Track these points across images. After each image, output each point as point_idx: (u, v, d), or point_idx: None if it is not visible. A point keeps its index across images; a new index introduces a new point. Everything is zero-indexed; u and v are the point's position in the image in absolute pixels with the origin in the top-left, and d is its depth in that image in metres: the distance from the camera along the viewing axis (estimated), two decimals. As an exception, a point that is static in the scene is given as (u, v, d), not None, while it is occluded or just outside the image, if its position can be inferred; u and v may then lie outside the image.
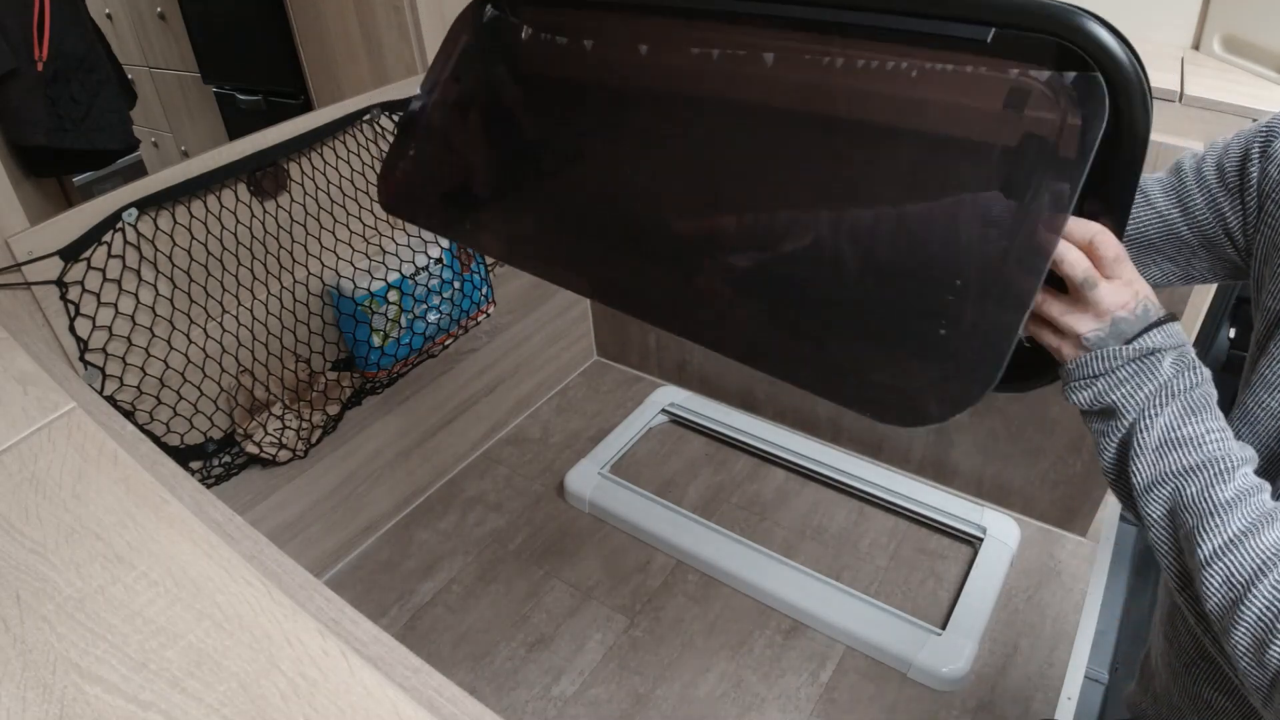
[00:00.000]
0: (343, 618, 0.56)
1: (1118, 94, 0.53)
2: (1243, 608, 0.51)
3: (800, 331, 0.66)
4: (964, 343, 0.57)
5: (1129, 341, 0.60)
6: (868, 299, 0.63)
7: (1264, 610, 0.51)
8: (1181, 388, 0.58)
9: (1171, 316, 0.60)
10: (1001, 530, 1.57)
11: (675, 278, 0.74)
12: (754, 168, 0.71)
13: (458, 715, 0.50)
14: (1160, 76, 1.17)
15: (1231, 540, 0.53)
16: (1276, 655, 0.50)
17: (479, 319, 1.94)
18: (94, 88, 1.59)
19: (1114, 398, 0.60)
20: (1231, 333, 1.44)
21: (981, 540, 1.56)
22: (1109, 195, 0.58)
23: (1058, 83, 0.55)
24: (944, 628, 1.41)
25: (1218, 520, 0.54)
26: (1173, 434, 0.57)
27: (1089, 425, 0.63)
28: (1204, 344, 1.44)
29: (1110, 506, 1.57)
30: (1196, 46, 1.30)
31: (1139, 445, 0.58)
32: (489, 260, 2.07)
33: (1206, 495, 0.55)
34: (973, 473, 1.67)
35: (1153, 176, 0.71)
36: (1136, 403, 0.59)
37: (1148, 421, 0.58)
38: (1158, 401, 0.59)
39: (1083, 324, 0.60)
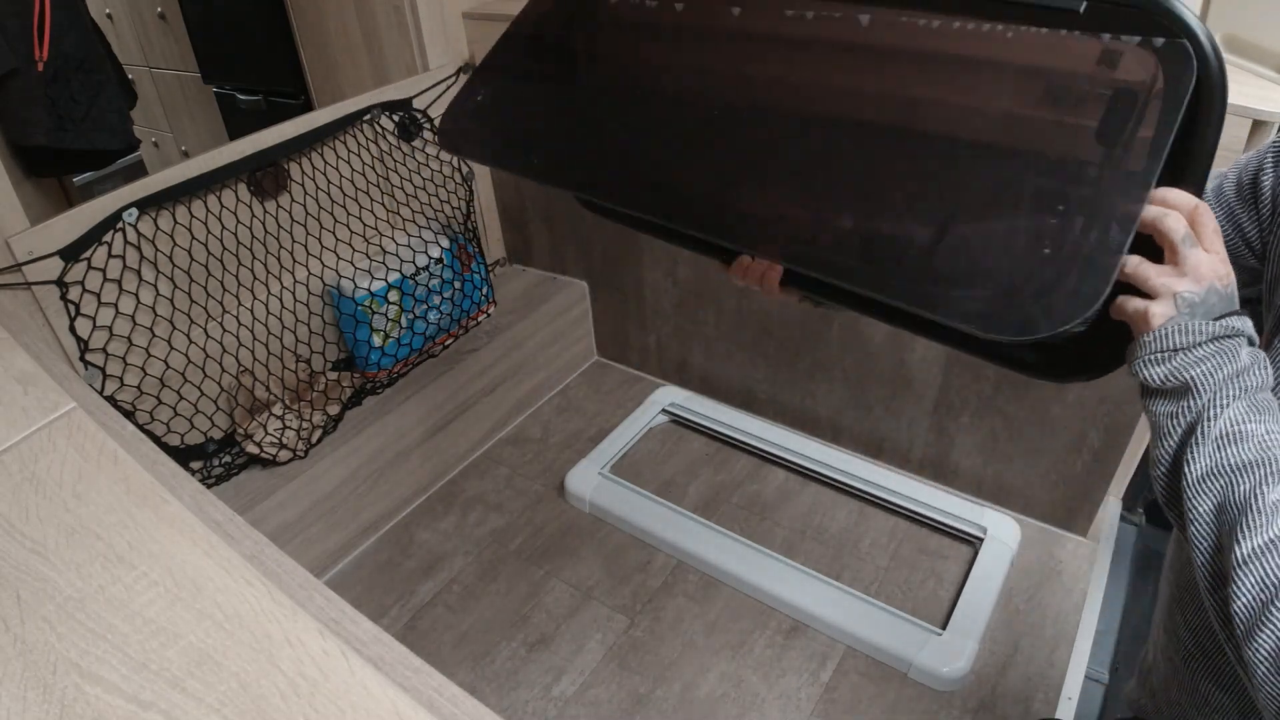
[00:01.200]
0: (343, 618, 0.56)
1: (1200, 63, 0.57)
2: (1271, 612, 0.50)
3: (898, 245, 0.66)
4: (1068, 262, 0.58)
5: (1216, 319, 0.59)
6: (970, 216, 0.65)
7: None
8: (1253, 384, 0.57)
9: (1244, 309, 0.60)
10: (1002, 530, 1.57)
11: (758, 193, 0.75)
12: (846, 105, 0.74)
13: (458, 715, 0.50)
14: (1161, 76, 1.17)
15: (1272, 542, 0.51)
16: None
17: (479, 319, 1.94)
18: (94, 88, 1.59)
19: (1191, 374, 0.58)
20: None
21: (982, 540, 1.56)
22: (1188, 165, 0.60)
23: (1148, 46, 0.59)
24: (944, 628, 1.41)
25: (1263, 520, 0.52)
26: (1237, 428, 0.56)
27: (1152, 408, 0.61)
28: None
29: (1110, 506, 1.57)
30: (1197, 46, 1.30)
31: (1201, 434, 0.57)
32: (489, 260, 2.08)
33: (1257, 493, 0.53)
34: (973, 473, 1.67)
35: None
36: (1212, 384, 0.58)
37: (1215, 410, 0.57)
38: (1229, 390, 0.57)
39: (1180, 284, 0.59)
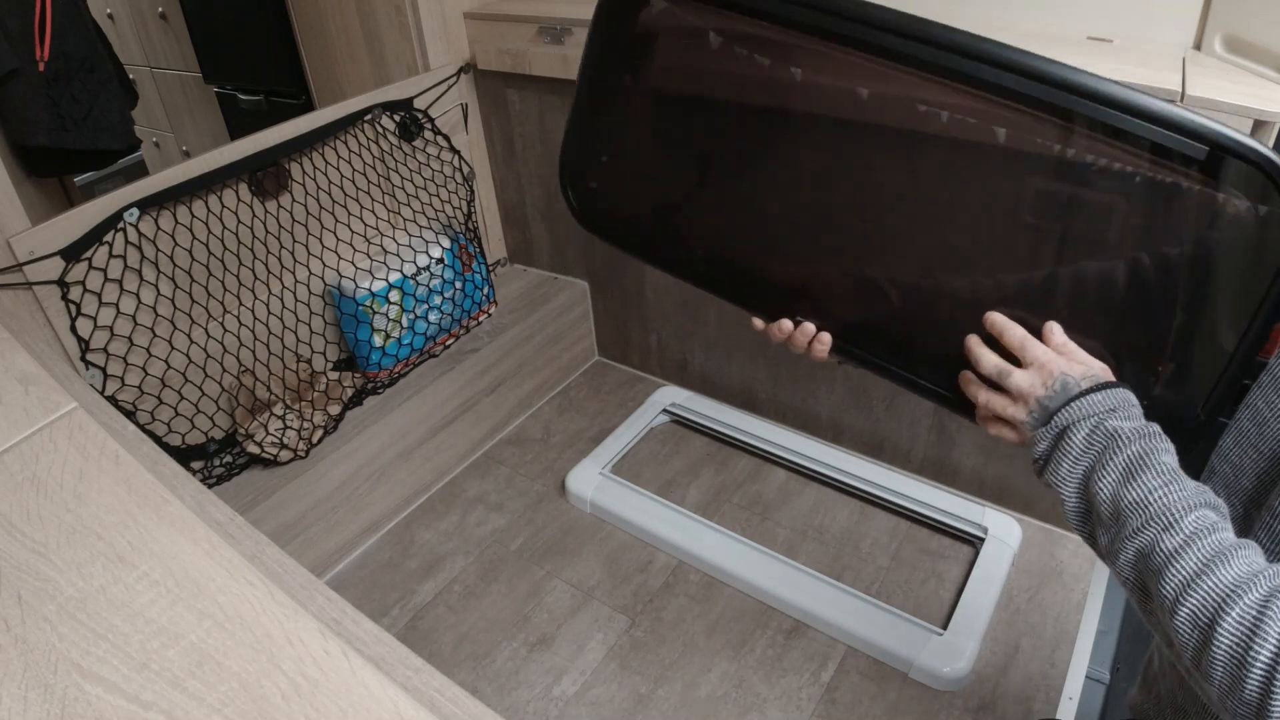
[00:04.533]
0: (344, 617, 0.56)
1: None
2: (1213, 647, 0.50)
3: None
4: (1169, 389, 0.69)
5: (1048, 421, 0.65)
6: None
7: (1234, 645, 0.49)
8: (1106, 458, 0.61)
9: (1101, 385, 0.64)
10: (1003, 530, 1.57)
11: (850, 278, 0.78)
12: (956, 209, 0.75)
13: (459, 715, 0.50)
14: (1161, 76, 1.17)
15: (1187, 582, 0.53)
16: (1254, 688, 0.48)
17: (480, 319, 1.94)
18: (95, 88, 1.59)
19: (1050, 479, 0.64)
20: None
21: (983, 540, 1.56)
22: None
23: (1254, 211, 0.63)
24: (945, 628, 1.41)
25: (1172, 569, 0.54)
26: (1120, 501, 0.59)
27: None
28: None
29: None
30: (1198, 46, 1.30)
31: (1099, 518, 0.61)
32: (490, 260, 2.08)
33: (1158, 548, 0.55)
34: (974, 472, 1.67)
35: None
36: (1062, 478, 0.63)
37: (1097, 493, 0.61)
38: (1091, 475, 0.61)
39: (1017, 411, 0.67)
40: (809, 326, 0.80)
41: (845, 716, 1.33)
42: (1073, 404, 0.63)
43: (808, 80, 0.77)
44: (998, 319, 0.70)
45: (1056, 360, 0.66)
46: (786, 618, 1.49)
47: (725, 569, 1.55)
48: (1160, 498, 0.57)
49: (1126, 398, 0.64)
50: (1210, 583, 0.52)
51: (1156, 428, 0.62)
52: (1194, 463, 0.64)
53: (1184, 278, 0.65)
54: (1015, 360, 0.69)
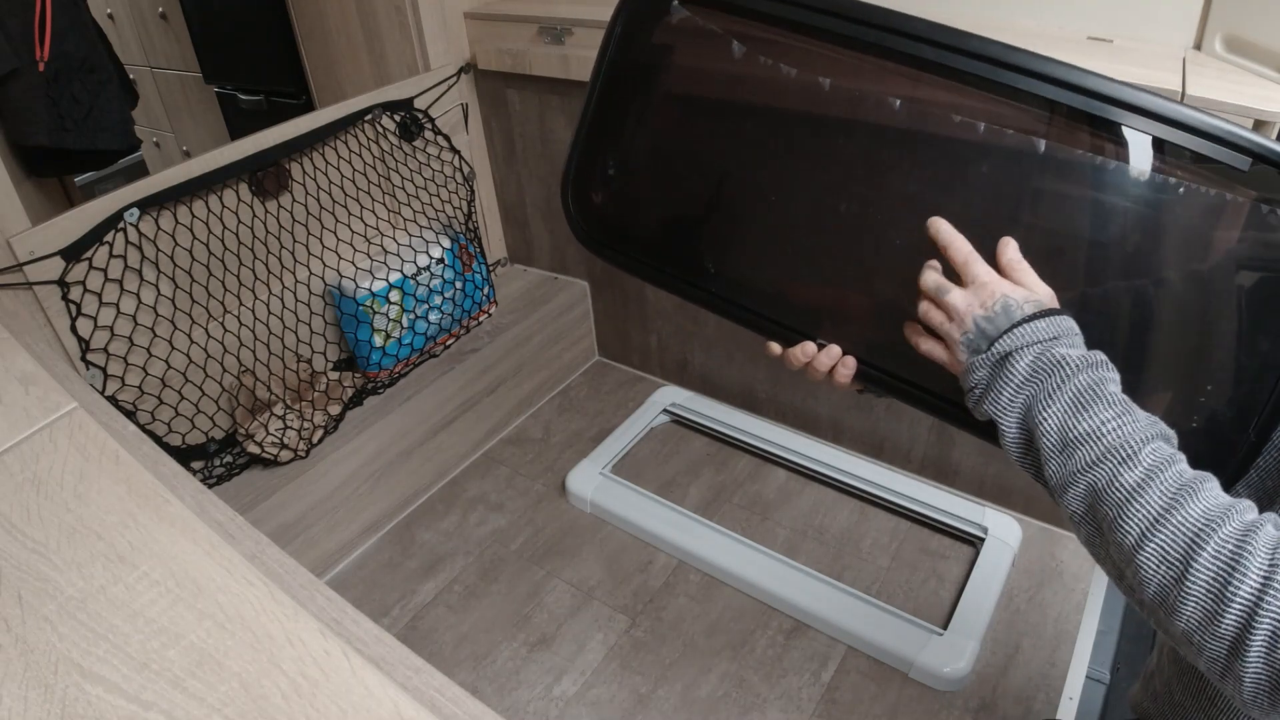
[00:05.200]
0: (344, 617, 0.56)
1: None
2: (1188, 583, 0.50)
3: None
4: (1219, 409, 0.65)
5: (989, 347, 0.62)
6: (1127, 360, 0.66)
7: (1211, 580, 0.49)
8: (1051, 387, 0.59)
9: (1045, 312, 0.61)
10: (1003, 530, 1.57)
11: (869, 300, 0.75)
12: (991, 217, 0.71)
13: (459, 715, 0.50)
14: (1162, 76, 1.17)
15: (1156, 519, 0.52)
16: (1231, 623, 0.48)
17: (480, 319, 1.94)
18: (95, 88, 1.59)
19: (989, 408, 0.62)
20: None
21: (983, 540, 1.56)
22: None
23: None
24: (945, 628, 1.41)
25: (1135, 505, 0.53)
26: (1069, 433, 0.57)
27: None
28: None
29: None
30: (1198, 46, 1.30)
31: (1045, 450, 0.59)
32: (490, 260, 2.08)
33: (1116, 484, 0.54)
34: (974, 472, 1.67)
35: None
36: (1003, 407, 0.61)
37: (1041, 423, 0.59)
38: (1035, 404, 0.59)
39: (952, 330, 0.64)
40: (834, 349, 0.75)
41: (845, 716, 1.33)
42: (1015, 330, 0.60)
43: (837, 90, 0.74)
44: (943, 229, 0.65)
45: (999, 281, 0.63)
46: (787, 618, 1.49)
47: (725, 569, 1.55)
48: (1114, 429, 0.56)
49: (1070, 326, 0.61)
50: (1179, 518, 0.51)
51: (1102, 356, 0.59)
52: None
53: (1229, 294, 0.63)
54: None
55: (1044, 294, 0.63)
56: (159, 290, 1.38)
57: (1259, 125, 1.10)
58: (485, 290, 1.94)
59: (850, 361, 0.75)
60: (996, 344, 0.61)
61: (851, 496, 1.72)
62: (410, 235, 1.78)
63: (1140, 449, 0.54)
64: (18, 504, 0.65)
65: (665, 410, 1.95)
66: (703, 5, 0.80)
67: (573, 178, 0.88)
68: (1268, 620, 0.47)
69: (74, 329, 1.27)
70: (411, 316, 1.75)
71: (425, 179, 1.79)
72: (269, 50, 2.02)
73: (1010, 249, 0.65)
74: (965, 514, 1.61)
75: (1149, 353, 0.65)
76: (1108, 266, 0.67)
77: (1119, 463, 0.55)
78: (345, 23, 1.80)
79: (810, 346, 0.76)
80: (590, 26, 1.64)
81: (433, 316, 1.80)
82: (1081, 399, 0.57)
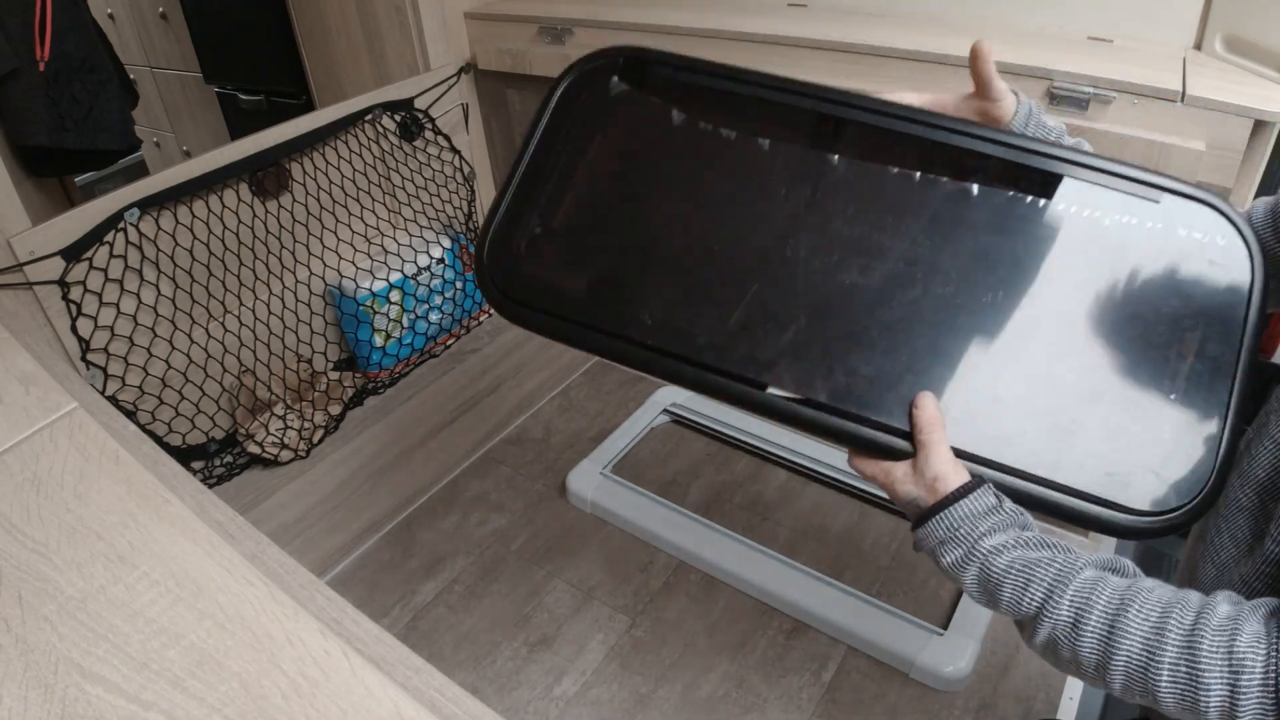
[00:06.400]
0: (344, 618, 0.56)
1: (1252, 259, 0.68)
2: (1162, 705, 0.53)
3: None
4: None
5: (915, 535, 0.65)
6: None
7: (1179, 700, 0.52)
8: (966, 575, 0.62)
9: (938, 505, 0.63)
10: (1003, 530, 1.57)
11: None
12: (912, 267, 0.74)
13: (459, 715, 0.50)
14: (1162, 76, 1.16)
15: (1104, 660, 0.55)
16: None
17: (481, 319, 1.94)
18: (95, 88, 1.59)
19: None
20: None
21: (983, 540, 1.56)
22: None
23: (1217, 240, 0.68)
24: (946, 628, 1.41)
25: (1084, 651, 0.56)
26: (1002, 606, 0.60)
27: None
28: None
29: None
30: (1199, 46, 1.30)
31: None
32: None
33: (1062, 643, 0.57)
34: (974, 472, 1.66)
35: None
36: (942, 569, 0.64)
37: (981, 597, 0.62)
38: (963, 584, 0.63)
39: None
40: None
41: (846, 716, 1.33)
42: (923, 528, 0.64)
43: (766, 146, 0.79)
44: (924, 409, 0.67)
45: (897, 483, 0.66)
46: (787, 618, 1.48)
47: (726, 569, 1.55)
48: (1031, 598, 0.58)
49: (966, 513, 0.62)
50: (1126, 652, 0.53)
51: (1003, 515, 0.62)
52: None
53: (1170, 313, 0.67)
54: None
55: (942, 474, 0.65)
56: (159, 290, 1.38)
57: (1259, 125, 1.10)
58: (485, 290, 1.94)
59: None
60: (917, 541, 0.65)
61: (852, 497, 1.72)
62: (411, 235, 1.78)
63: (1061, 601, 0.57)
64: (18, 504, 0.65)
65: (666, 410, 1.95)
66: (643, 82, 0.85)
67: (492, 236, 0.82)
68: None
69: (74, 329, 1.27)
70: (412, 316, 1.75)
71: (425, 179, 1.79)
72: (269, 50, 2.02)
73: (926, 408, 0.66)
74: (965, 514, 1.60)
75: (1111, 374, 0.68)
76: (1050, 301, 0.70)
77: (1056, 623, 0.57)
78: (345, 23, 1.80)
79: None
80: (590, 26, 1.64)
81: (433, 316, 1.80)
82: (990, 584, 0.60)
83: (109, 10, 2.48)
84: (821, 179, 0.77)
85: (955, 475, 0.64)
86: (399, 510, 1.75)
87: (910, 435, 0.67)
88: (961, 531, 0.61)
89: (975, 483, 0.63)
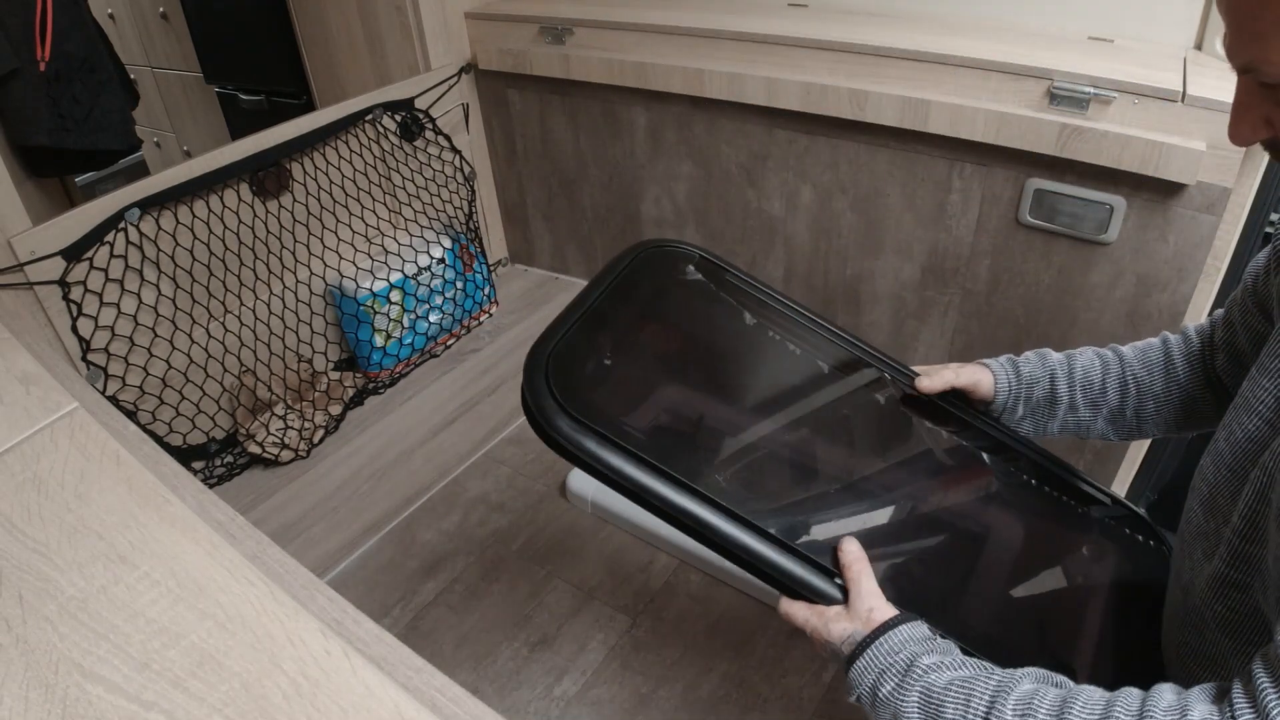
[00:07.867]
0: (345, 618, 0.56)
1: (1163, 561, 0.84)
2: None
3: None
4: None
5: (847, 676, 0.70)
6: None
7: None
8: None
9: (857, 648, 0.67)
10: (1004, 530, 1.57)
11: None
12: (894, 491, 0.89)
13: (460, 715, 0.50)
14: (1163, 76, 1.16)
15: None
16: None
17: (481, 319, 1.95)
18: (96, 88, 1.59)
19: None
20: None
21: (984, 540, 1.56)
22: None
23: (1144, 543, 0.89)
24: (946, 628, 1.41)
25: None
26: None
27: None
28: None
29: (1113, 507, 1.57)
30: (1199, 46, 1.30)
31: None
32: (491, 260, 2.07)
33: None
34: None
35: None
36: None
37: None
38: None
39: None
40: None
41: (846, 717, 1.33)
42: (861, 659, 0.66)
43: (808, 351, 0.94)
44: (847, 552, 0.72)
45: (830, 621, 0.71)
46: (787, 618, 1.48)
47: (726, 569, 1.55)
48: (974, 713, 0.58)
49: (904, 637, 0.65)
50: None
51: (938, 643, 0.65)
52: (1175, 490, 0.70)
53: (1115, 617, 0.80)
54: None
55: (876, 605, 0.68)
56: (160, 290, 1.38)
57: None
58: (486, 290, 1.94)
59: None
60: (849, 684, 0.69)
61: (852, 496, 1.72)
62: (411, 235, 1.78)
63: (1009, 703, 0.57)
64: (18, 504, 0.65)
65: (666, 410, 1.95)
66: (710, 275, 0.93)
67: (555, 350, 0.76)
68: None
69: (75, 329, 1.27)
70: (412, 316, 1.75)
71: (426, 179, 1.79)
72: (270, 50, 2.02)
73: (847, 551, 0.72)
74: (966, 514, 1.61)
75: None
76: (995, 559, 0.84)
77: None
78: (346, 23, 1.80)
79: None
80: (590, 27, 1.64)
81: (433, 316, 1.81)
82: (945, 695, 0.61)
83: (109, 10, 2.48)
84: (833, 397, 0.92)
85: (888, 607, 0.67)
86: (399, 510, 1.75)
87: (838, 574, 0.73)
88: (902, 655, 0.63)
89: (910, 614, 0.67)
